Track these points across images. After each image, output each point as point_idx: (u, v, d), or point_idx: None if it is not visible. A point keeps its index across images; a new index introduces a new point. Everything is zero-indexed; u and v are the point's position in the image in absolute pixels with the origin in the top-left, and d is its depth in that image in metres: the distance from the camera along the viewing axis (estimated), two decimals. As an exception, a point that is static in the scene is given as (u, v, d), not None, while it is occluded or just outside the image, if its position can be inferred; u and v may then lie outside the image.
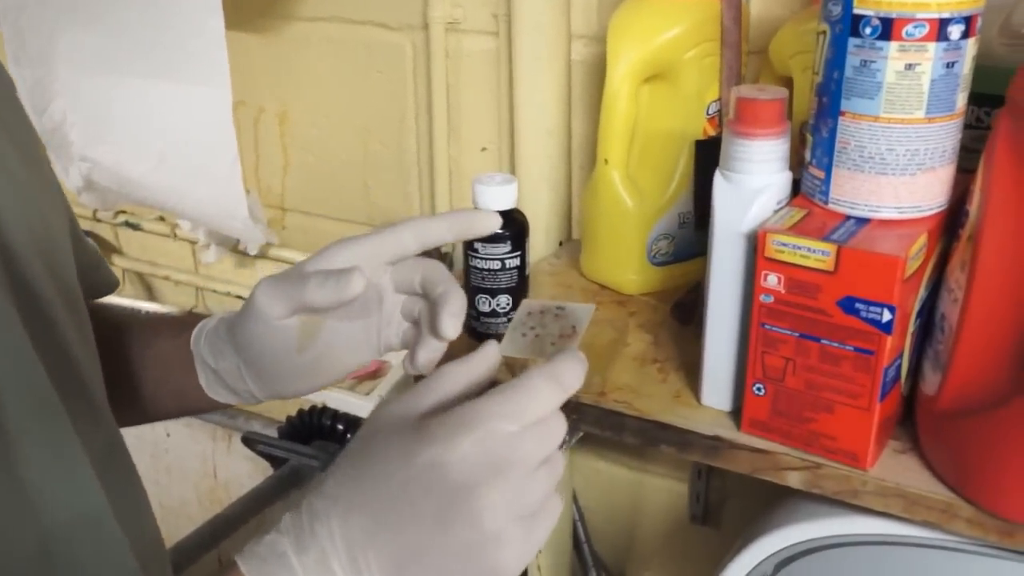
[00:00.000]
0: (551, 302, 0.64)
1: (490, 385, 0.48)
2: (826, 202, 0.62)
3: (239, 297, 1.38)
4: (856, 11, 0.57)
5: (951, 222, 0.62)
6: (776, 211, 0.63)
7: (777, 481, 0.65)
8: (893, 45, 0.57)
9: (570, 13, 0.97)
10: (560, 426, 0.46)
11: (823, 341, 0.60)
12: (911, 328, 0.61)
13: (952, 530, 0.60)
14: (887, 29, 0.56)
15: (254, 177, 1.31)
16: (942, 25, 0.56)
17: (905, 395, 0.65)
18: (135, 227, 1.46)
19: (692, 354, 0.72)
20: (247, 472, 1.57)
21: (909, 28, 0.56)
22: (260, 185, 1.32)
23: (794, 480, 0.64)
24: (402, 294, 0.61)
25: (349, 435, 1.19)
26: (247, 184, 1.20)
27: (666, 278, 0.88)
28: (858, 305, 0.58)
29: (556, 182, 1.01)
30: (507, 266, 0.76)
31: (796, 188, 0.65)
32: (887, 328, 0.57)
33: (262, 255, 1.32)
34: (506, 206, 0.74)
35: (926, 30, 0.56)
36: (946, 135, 0.59)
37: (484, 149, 1.11)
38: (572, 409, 0.69)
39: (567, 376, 0.46)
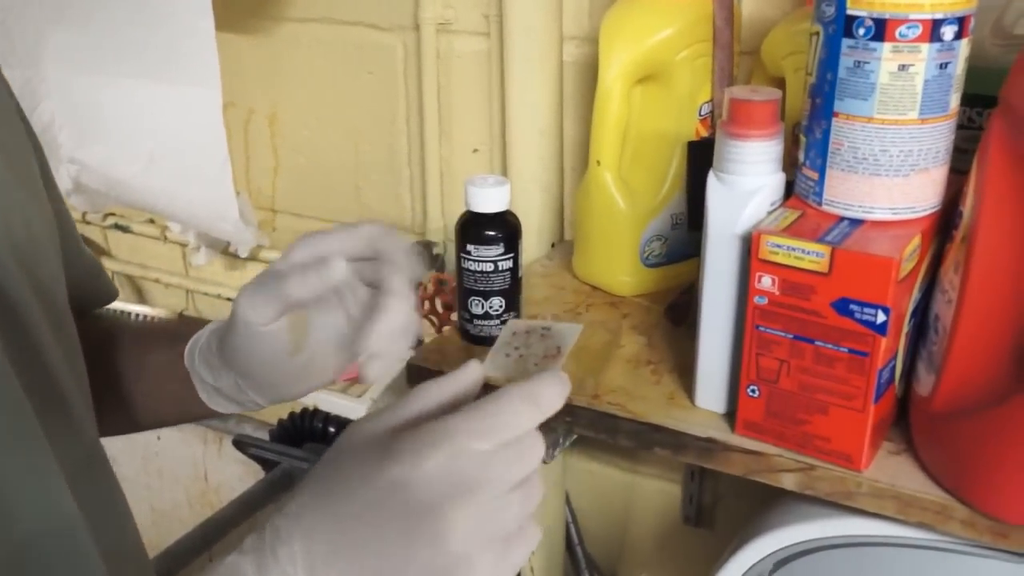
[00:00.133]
0: (537, 322, 0.63)
1: None
2: (820, 203, 0.62)
3: (229, 299, 1.37)
4: (849, 12, 0.57)
5: (944, 223, 0.62)
6: (770, 212, 0.63)
7: (771, 483, 0.64)
8: (886, 46, 0.57)
9: (562, 14, 0.96)
10: (537, 447, 0.44)
11: (817, 343, 0.60)
12: (905, 329, 0.61)
13: (947, 531, 0.60)
14: (880, 30, 0.56)
15: (244, 179, 1.30)
16: (935, 26, 0.56)
17: (899, 396, 0.65)
18: (125, 229, 1.45)
19: (686, 356, 0.71)
20: (238, 475, 1.56)
21: (902, 29, 0.56)
22: (250, 187, 1.31)
23: (788, 482, 0.64)
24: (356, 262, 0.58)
25: (341, 438, 1.18)
26: (237, 186, 1.20)
27: (659, 279, 0.88)
28: (852, 306, 0.57)
29: (548, 183, 1.00)
30: (500, 268, 0.75)
31: (790, 189, 0.65)
32: (881, 329, 0.57)
33: (252, 257, 1.31)
34: (499, 208, 0.74)
35: (919, 31, 0.56)
36: (940, 136, 0.59)
37: (476, 150, 1.10)
38: (565, 412, 0.68)
39: (546, 396, 0.44)
